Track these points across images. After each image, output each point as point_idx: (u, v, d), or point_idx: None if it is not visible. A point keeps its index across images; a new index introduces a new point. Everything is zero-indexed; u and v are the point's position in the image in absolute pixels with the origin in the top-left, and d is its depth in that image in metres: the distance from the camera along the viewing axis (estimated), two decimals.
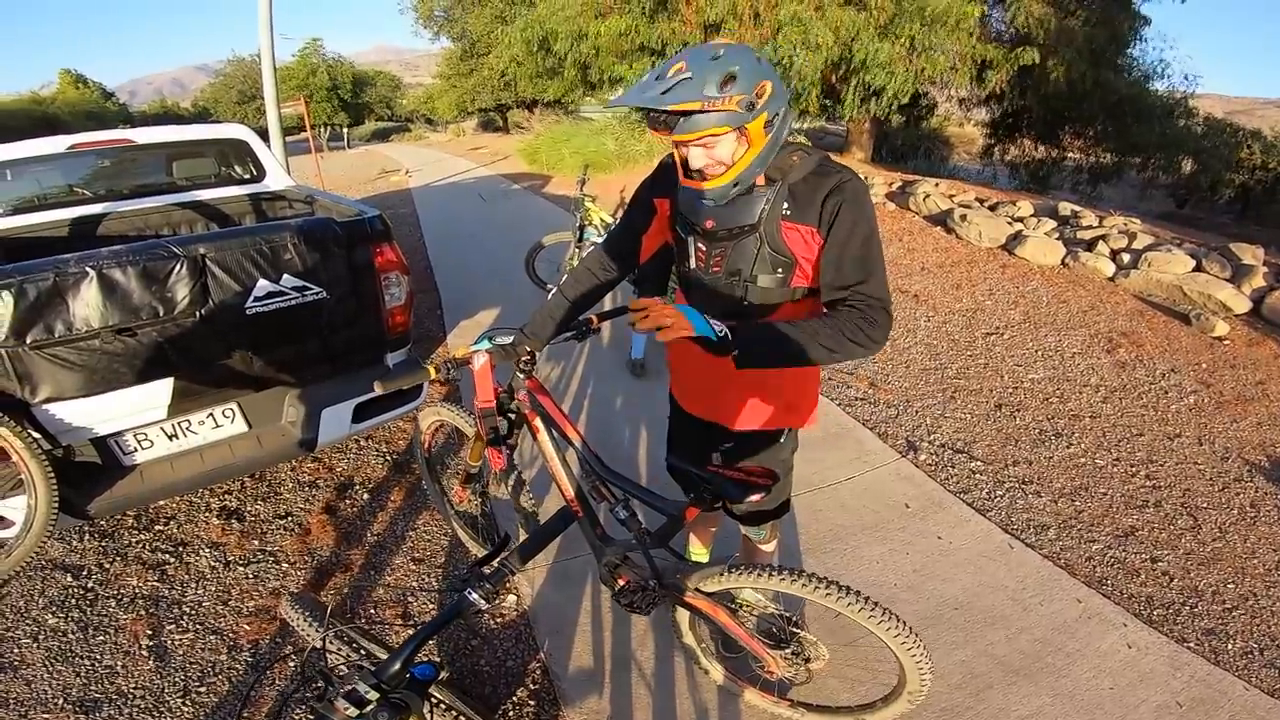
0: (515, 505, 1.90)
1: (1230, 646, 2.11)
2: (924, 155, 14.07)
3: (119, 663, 2.00)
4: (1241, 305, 4.59)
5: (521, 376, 1.71)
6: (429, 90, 32.79)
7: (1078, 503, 2.79)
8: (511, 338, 1.67)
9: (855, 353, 1.24)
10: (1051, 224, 6.14)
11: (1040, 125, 11.45)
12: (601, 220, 4.45)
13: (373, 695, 0.91)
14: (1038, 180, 12.38)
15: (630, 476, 1.71)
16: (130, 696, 1.89)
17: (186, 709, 1.86)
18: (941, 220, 6.62)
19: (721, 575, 1.52)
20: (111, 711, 1.84)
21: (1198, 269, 5.00)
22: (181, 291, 2.01)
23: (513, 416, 1.74)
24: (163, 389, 2.12)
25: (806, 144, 1.36)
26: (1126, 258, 5.31)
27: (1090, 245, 5.60)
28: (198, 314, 2.06)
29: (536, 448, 1.80)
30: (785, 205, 1.30)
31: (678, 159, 1.31)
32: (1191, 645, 2.10)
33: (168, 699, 1.89)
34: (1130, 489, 2.89)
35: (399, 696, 0.94)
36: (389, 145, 24.42)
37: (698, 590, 1.57)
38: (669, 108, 1.13)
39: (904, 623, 1.39)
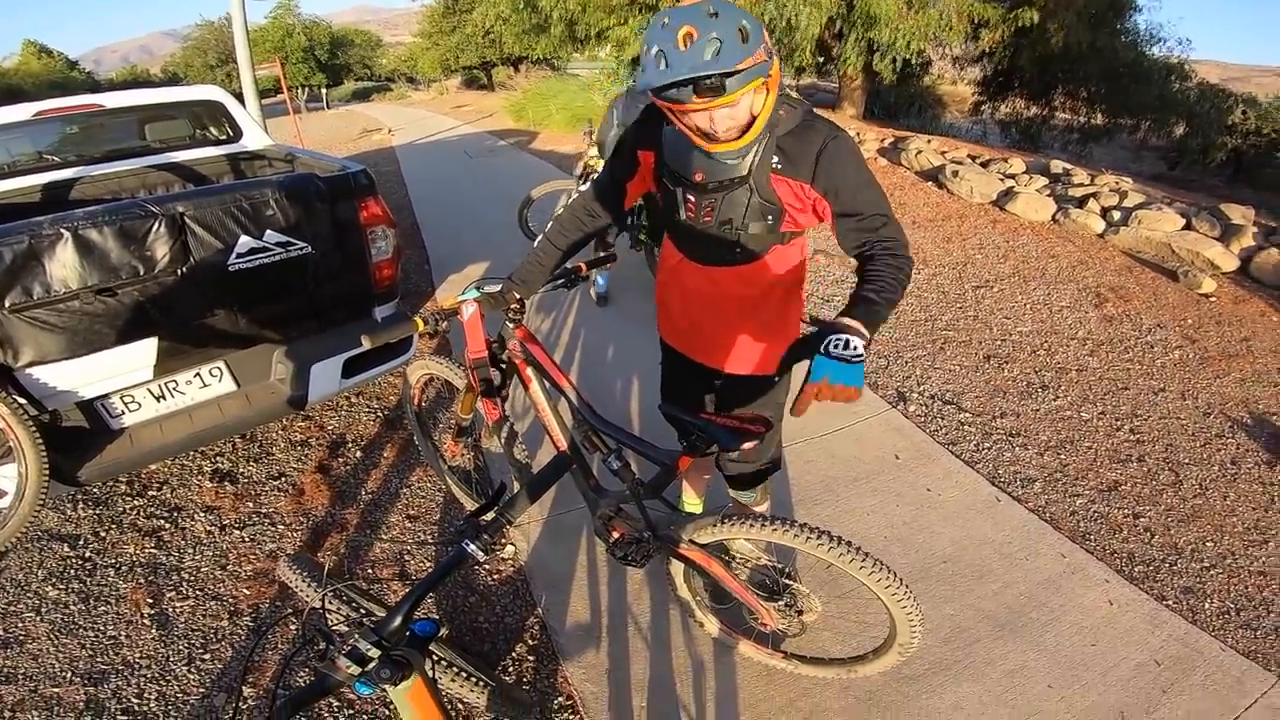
0: (508, 458, 1.90)
1: (1207, 606, 2.14)
2: (916, 113, 13.88)
3: (122, 633, 2.00)
4: (1229, 263, 4.62)
5: (511, 326, 1.70)
6: (410, 49, 31.89)
7: (1063, 456, 2.83)
8: (500, 286, 1.65)
9: (909, 282, 1.29)
10: (1043, 181, 6.14)
11: (1033, 85, 11.37)
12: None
13: (374, 652, 0.91)
14: (1028, 139, 12.33)
15: (622, 426, 1.70)
16: (136, 666, 1.89)
17: (193, 676, 1.87)
18: (933, 176, 6.58)
19: (715, 526, 1.52)
20: (119, 683, 1.85)
21: (1187, 228, 5.01)
22: (161, 250, 1.98)
23: (504, 367, 1.74)
24: (147, 349, 2.09)
25: (791, 95, 1.35)
26: (1117, 215, 5.31)
27: (1081, 202, 5.59)
28: (179, 272, 2.03)
29: (528, 398, 1.79)
30: (775, 159, 1.31)
31: (687, 126, 1.26)
32: (1170, 603, 2.14)
33: (173, 667, 1.89)
34: (1114, 443, 2.93)
35: (400, 653, 0.94)
36: (370, 105, 23.74)
37: (692, 542, 1.58)
38: (738, 67, 1.10)
39: (895, 574, 1.40)
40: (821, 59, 10.05)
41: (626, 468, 1.57)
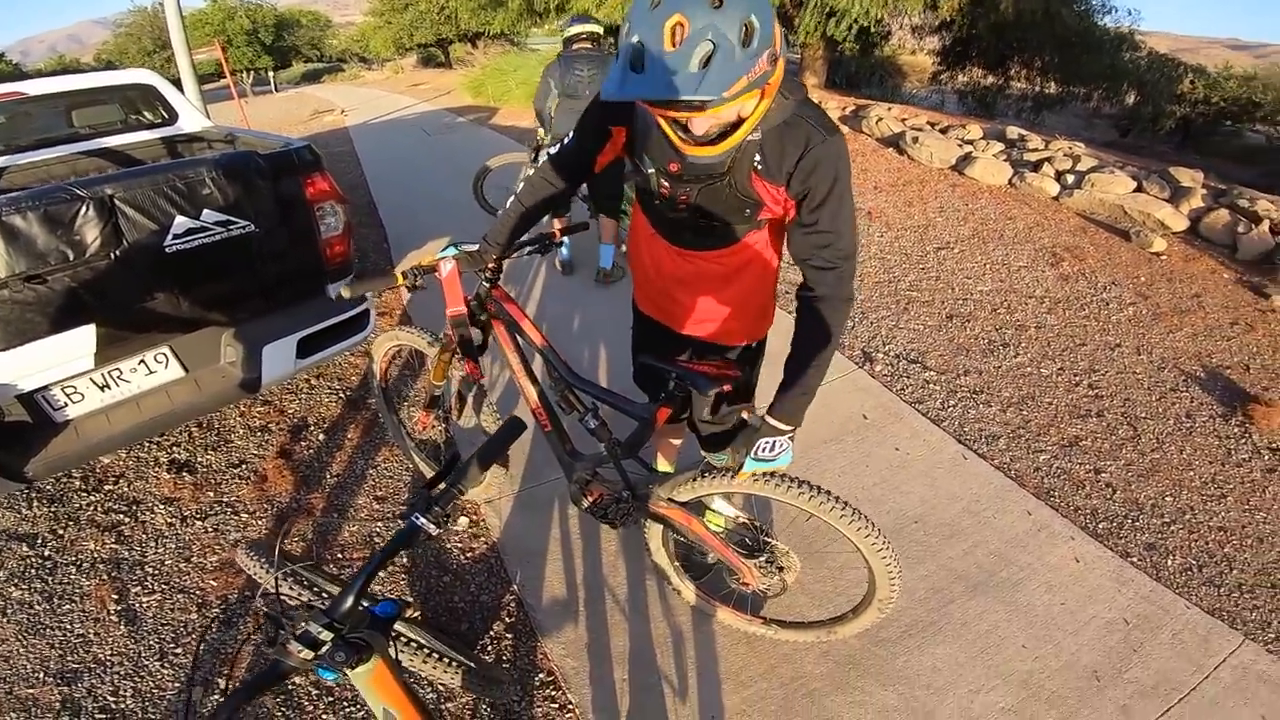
0: (479, 424, 1.88)
1: (1170, 562, 2.19)
2: (877, 82, 13.98)
3: (91, 630, 1.94)
4: (1179, 224, 4.76)
5: (487, 285, 1.72)
6: (362, 28, 30.79)
7: (1025, 412, 2.89)
8: (476, 246, 1.67)
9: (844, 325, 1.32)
10: (999, 146, 6.23)
11: (990, 54, 11.52)
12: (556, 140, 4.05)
13: (326, 635, 0.86)
14: (985, 107, 12.52)
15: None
16: (108, 664, 1.84)
17: (166, 671, 1.83)
18: (894, 142, 6.63)
19: (693, 482, 1.52)
20: (93, 681, 1.80)
21: (1138, 190, 5.14)
22: (91, 234, 1.89)
23: (480, 327, 1.76)
24: (85, 337, 1.99)
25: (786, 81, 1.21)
26: (1071, 178, 5.42)
27: (1036, 166, 5.70)
28: (112, 256, 1.94)
29: (503, 358, 1.80)
30: (757, 158, 1.21)
31: (663, 119, 1.15)
32: (1135, 560, 2.18)
33: (145, 663, 1.85)
34: (1074, 398, 3.00)
35: (359, 636, 0.90)
36: (321, 86, 22.89)
37: (671, 500, 1.58)
38: (727, 95, 0.96)
39: (872, 522, 1.42)
40: (783, 29, 9.97)
41: (603, 426, 1.58)
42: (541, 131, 3.89)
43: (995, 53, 11.35)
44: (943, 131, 6.74)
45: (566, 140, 1.51)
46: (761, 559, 1.63)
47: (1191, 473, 2.60)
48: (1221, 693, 1.76)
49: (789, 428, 1.30)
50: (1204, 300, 3.87)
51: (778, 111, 1.17)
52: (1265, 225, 4.46)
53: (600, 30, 3.66)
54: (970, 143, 6.39)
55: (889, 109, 7.52)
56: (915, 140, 6.26)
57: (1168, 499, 2.46)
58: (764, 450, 1.30)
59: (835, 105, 7.97)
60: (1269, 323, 3.63)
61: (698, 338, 1.63)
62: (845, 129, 7.27)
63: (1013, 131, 6.57)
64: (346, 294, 1.55)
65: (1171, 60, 12.18)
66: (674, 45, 0.94)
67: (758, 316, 1.63)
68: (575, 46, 3.59)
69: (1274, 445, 2.73)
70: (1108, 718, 1.70)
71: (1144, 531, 2.31)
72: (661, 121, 1.16)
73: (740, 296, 1.55)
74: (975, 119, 8.31)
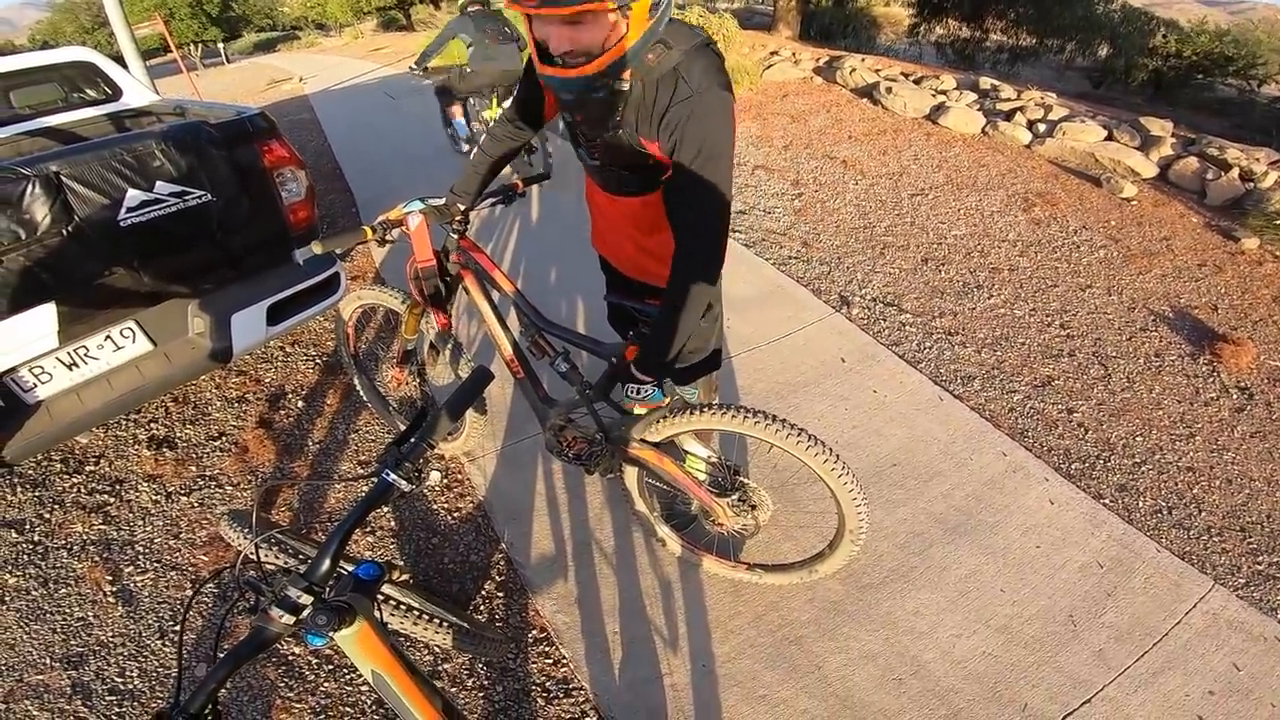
0: (453, 372, 1.90)
1: (1141, 504, 2.22)
2: (851, 34, 13.76)
3: (90, 613, 1.93)
4: (1149, 170, 4.80)
5: (455, 237, 1.73)
6: None
7: (999, 353, 2.93)
8: (444, 199, 1.70)
9: (708, 296, 1.30)
10: (973, 96, 6.21)
11: (965, 6, 11.38)
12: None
13: (305, 599, 0.85)
14: (962, 59, 12.42)
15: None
16: (111, 646, 1.84)
17: (168, 650, 1.83)
18: (868, 93, 6.57)
19: (662, 420, 1.55)
20: (99, 664, 1.80)
21: (1109, 139, 5.16)
22: (40, 211, 1.84)
23: (449, 279, 1.77)
24: (46, 315, 1.94)
25: (681, 28, 1.18)
26: (1042, 128, 5.43)
27: (1009, 116, 5.70)
28: (64, 232, 1.89)
29: (474, 308, 1.81)
30: (634, 114, 1.20)
31: (531, 40, 1.12)
32: (1107, 502, 2.21)
33: (147, 643, 1.85)
34: (1046, 338, 3.05)
35: (343, 600, 0.89)
36: (276, 56, 21.99)
37: (644, 441, 1.60)
38: None
39: (831, 450, 1.44)
40: None
41: (575, 370, 1.60)
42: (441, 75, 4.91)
43: (970, 4, 11.21)
44: (916, 82, 6.68)
45: (516, 91, 1.56)
46: (734, 498, 1.65)
47: (1161, 412, 2.65)
48: (1194, 638, 1.80)
49: (647, 379, 1.41)
50: (1173, 243, 3.92)
51: (661, 61, 1.13)
52: (1235, 172, 4.50)
53: None
54: (944, 93, 6.35)
55: (862, 60, 7.42)
56: (889, 91, 6.21)
57: (1138, 439, 2.51)
58: (632, 392, 1.46)
59: (809, 56, 7.84)
60: (1237, 264, 3.70)
61: (637, 280, 1.64)
62: (819, 80, 7.17)
63: (985, 82, 6.54)
64: (318, 250, 1.56)
65: (1145, 14, 12.17)
66: None
67: None
68: (472, 9, 4.65)
69: (1241, 384, 2.80)
70: (1085, 662, 1.73)
71: (1115, 472, 2.35)
72: (534, 46, 1.13)
73: (668, 242, 1.54)
74: (949, 70, 8.24)
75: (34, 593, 2.00)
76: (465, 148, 5.36)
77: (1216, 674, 1.72)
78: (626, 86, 1.16)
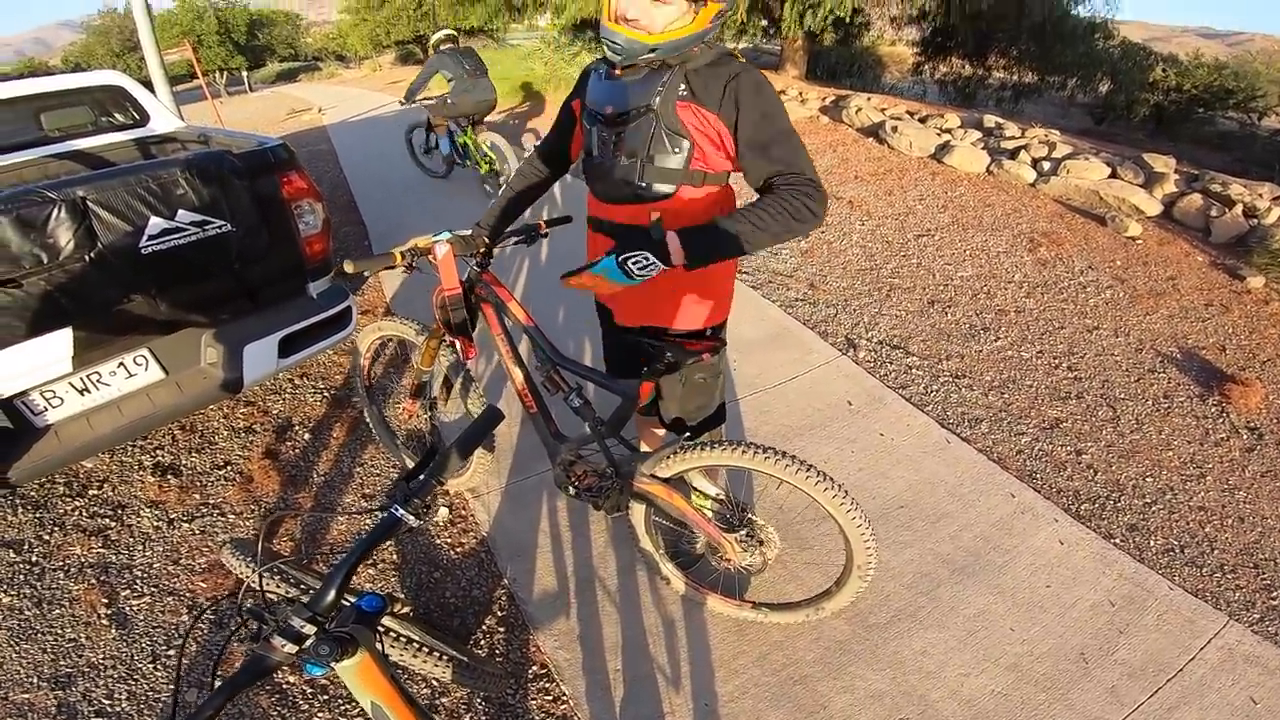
0: (466, 410, 1.91)
1: (1152, 543, 2.21)
2: (857, 73, 14.05)
3: (82, 635, 1.93)
4: (1154, 208, 4.83)
5: (478, 269, 1.77)
6: (338, 26, 30.46)
7: (1006, 395, 2.93)
8: (470, 231, 1.76)
9: (799, 230, 1.26)
10: (977, 135, 6.29)
11: (969, 44, 11.62)
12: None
13: (309, 629, 0.85)
14: (965, 97, 12.64)
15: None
16: (102, 668, 1.83)
17: (159, 674, 1.82)
18: (874, 132, 6.68)
19: (672, 457, 1.55)
20: (87, 685, 1.78)
21: (1113, 176, 5.21)
22: (64, 236, 1.86)
23: (469, 310, 1.80)
24: (62, 341, 1.96)
25: (713, 41, 1.37)
26: (1047, 165, 5.49)
27: (1013, 154, 5.77)
28: (86, 258, 1.91)
29: (492, 341, 1.85)
30: (682, 87, 1.32)
31: (608, 7, 1.30)
32: (1118, 541, 2.20)
33: (139, 666, 1.84)
34: (1054, 380, 3.05)
35: (345, 630, 0.89)
36: (297, 85, 22.60)
37: (654, 476, 1.60)
38: None
39: (841, 486, 1.45)
40: (765, 22, 10.04)
41: (588, 405, 1.62)
42: (430, 103, 5.36)
43: (973, 42, 11.45)
44: (921, 121, 6.79)
45: (546, 134, 1.70)
46: (742, 533, 1.65)
47: (1171, 453, 2.63)
48: (1209, 673, 1.78)
49: (679, 257, 1.26)
50: (1179, 283, 3.93)
51: (704, 55, 1.32)
52: (1238, 209, 4.54)
53: (455, 34, 5.38)
54: (948, 131, 6.45)
55: (868, 99, 7.58)
56: (894, 129, 6.31)
57: (1148, 479, 2.49)
58: (633, 263, 1.26)
59: (815, 96, 8.00)
60: (1244, 303, 3.71)
61: (648, 325, 1.62)
62: (825, 119, 7.30)
63: (990, 120, 6.64)
64: (349, 269, 1.60)
65: (1143, 49, 12.39)
66: None
67: (710, 300, 1.60)
68: (445, 46, 5.19)
69: (1251, 424, 2.78)
70: (1097, 699, 1.71)
71: (1126, 513, 2.34)
72: (607, 8, 1.30)
73: (698, 278, 1.54)
74: (954, 108, 8.38)
75: (27, 612, 1.99)
76: (443, 170, 5.99)
77: (1233, 708, 1.69)
78: (671, 63, 1.32)
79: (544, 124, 8.95)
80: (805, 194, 1.23)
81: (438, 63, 5.16)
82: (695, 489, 1.67)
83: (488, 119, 5.48)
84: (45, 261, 1.84)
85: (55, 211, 1.84)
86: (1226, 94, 12.98)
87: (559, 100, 9.60)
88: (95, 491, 2.43)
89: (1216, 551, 2.20)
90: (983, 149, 5.91)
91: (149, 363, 2.22)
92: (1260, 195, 4.64)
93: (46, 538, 2.25)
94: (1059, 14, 10.29)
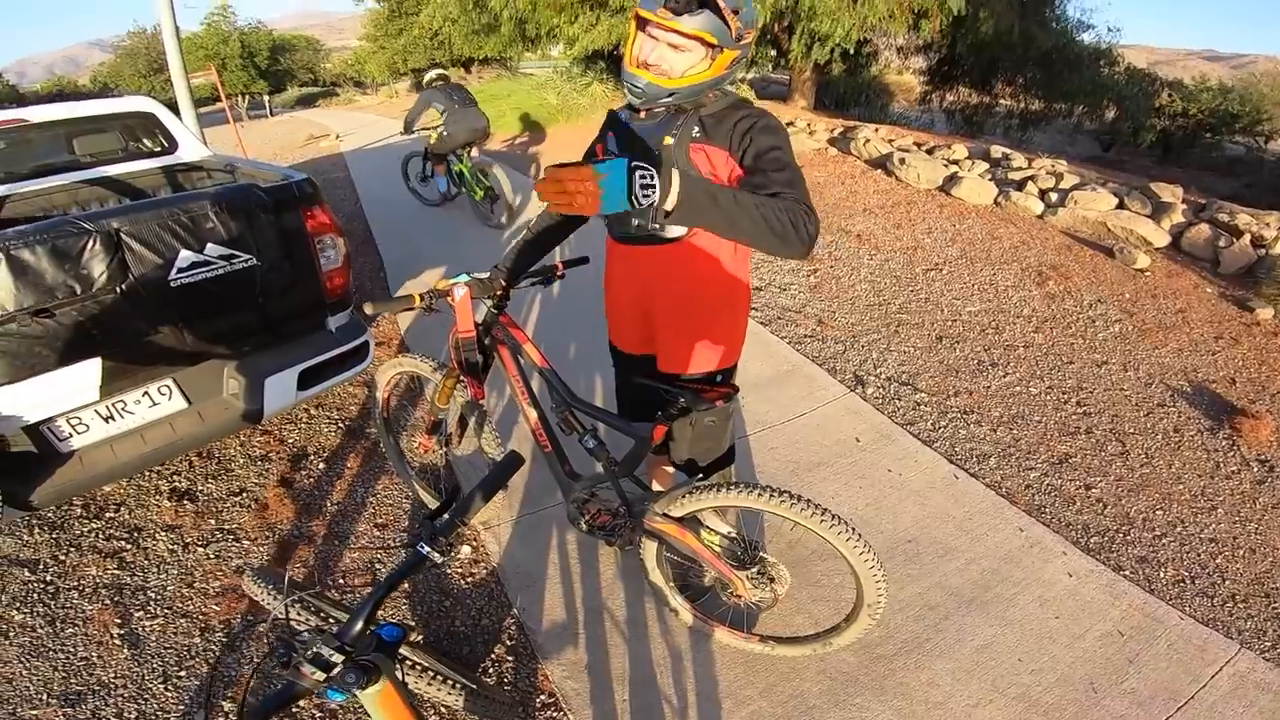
0: (480, 448, 1.94)
1: (1163, 574, 2.22)
2: (865, 103, 14.22)
3: (94, 654, 1.96)
4: (1161, 239, 4.85)
5: (495, 312, 1.80)
6: (356, 53, 31.22)
7: (1015, 431, 2.94)
8: (488, 274, 1.78)
9: (784, 241, 1.13)
10: (984, 166, 6.35)
11: (975, 73, 11.74)
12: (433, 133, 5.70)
13: (337, 658, 0.90)
14: (973, 125, 12.75)
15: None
16: (112, 687, 1.86)
17: (170, 695, 1.84)
18: (882, 164, 6.74)
19: (685, 497, 1.58)
20: (97, 704, 1.81)
21: (1120, 206, 5.24)
22: (98, 268, 1.91)
23: (486, 351, 1.84)
24: (91, 370, 2.01)
25: (725, 89, 1.43)
26: (1054, 196, 5.52)
27: (1020, 185, 5.81)
28: (118, 290, 1.96)
29: (508, 382, 1.88)
30: (696, 130, 1.38)
31: (634, 49, 1.34)
32: (1128, 573, 2.20)
33: (150, 685, 1.86)
34: (1063, 416, 3.05)
35: (368, 658, 0.94)
36: (316, 111, 23.16)
37: (666, 515, 1.63)
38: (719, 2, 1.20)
39: (854, 528, 1.47)
40: (774, 53, 10.23)
41: (601, 445, 1.65)
42: (427, 133, 5.71)
43: (979, 71, 11.58)
44: (929, 152, 6.87)
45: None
46: (753, 570, 1.67)
47: (1181, 486, 2.63)
48: (1220, 700, 1.78)
49: (673, 191, 1.04)
50: (1188, 315, 3.94)
51: (718, 101, 1.39)
52: (1246, 239, 4.55)
53: (446, 72, 5.89)
54: (956, 163, 6.51)
55: (876, 130, 7.67)
56: (902, 161, 6.37)
57: (1158, 513, 2.50)
58: (641, 172, 1.01)
59: (824, 127, 8.12)
60: (1253, 335, 3.71)
61: (679, 373, 1.66)
62: (833, 151, 7.40)
63: (997, 150, 6.70)
64: (369, 310, 1.63)
65: (1148, 75, 12.45)
66: None
67: (722, 344, 1.64)
68: (437, 82, 5.65)
69: (1262, 457, 2.78)
70: None
71: (1136, 545, 2.34)
72: (629, 55, 1.36)
73: (696, 317, 1.59)
74: (961, 138, 8.48)
75: (39, 630, 2.03)
76: (438, 199, 6.36)
77: None
78: (687, 108, 1.39)
79: (548, 151, 9.09)
80: (804, 214, 1.15)
81: (430, 96, 5.58)
82: (706, 526, 1.69)
83: (485, 147, 5.90)
84: (79, 292, 1.89)
85: (90, 243, 1.88)
86: (1232, 118, 13.00)
87: (557, 133, 9.82)
88: (112, 514, 2.48)
89: (1228, 582, 2.21)
90: (990, 180, 5.96)
91: (173, 392, 2.27)
92: (1267, 224, 4.65)
93: (62, 558, 2.29)
94: (1064, 41, 10.40)
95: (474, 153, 5.68)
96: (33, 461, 2.06)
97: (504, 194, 5.35)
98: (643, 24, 1.31)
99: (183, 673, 1.90)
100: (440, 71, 5.83)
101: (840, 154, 7.29)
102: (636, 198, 1.01)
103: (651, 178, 1.02)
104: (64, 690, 1.85)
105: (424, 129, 5.70)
